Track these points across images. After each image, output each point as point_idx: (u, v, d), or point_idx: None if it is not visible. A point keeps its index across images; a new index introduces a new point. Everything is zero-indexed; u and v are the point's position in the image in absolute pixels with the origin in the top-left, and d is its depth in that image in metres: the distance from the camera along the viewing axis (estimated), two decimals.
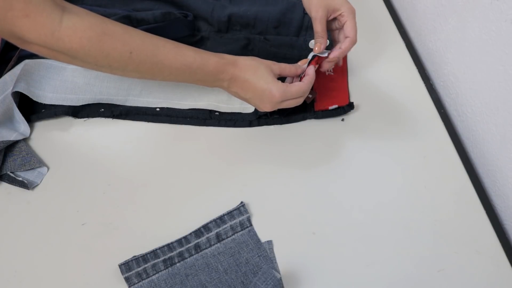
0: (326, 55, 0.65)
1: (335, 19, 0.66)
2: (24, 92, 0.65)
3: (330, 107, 0.70)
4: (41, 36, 0.49)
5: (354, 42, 0.65)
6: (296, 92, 0.62)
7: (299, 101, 0.63)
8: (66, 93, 0.67)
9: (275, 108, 0.63)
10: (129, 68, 0.56)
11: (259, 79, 0.61)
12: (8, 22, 0.47)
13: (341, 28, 0.66)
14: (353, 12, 0.64)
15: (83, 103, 0.68)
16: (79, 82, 0.67)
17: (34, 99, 0.66)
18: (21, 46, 0.51)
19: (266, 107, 0.62)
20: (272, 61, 0.63)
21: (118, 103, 0.69)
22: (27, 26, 0.48)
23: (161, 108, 0.70)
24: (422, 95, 0.76)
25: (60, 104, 0.67)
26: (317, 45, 0.65)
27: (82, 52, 0.51)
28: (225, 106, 0.70)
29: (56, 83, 0.67)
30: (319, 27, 0.64)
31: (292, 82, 0.65)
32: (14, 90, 0.64)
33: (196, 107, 0.69)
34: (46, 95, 0.67)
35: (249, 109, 0.70)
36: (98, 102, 0.68)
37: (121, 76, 0.60)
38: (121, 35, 0.54)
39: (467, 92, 0.74)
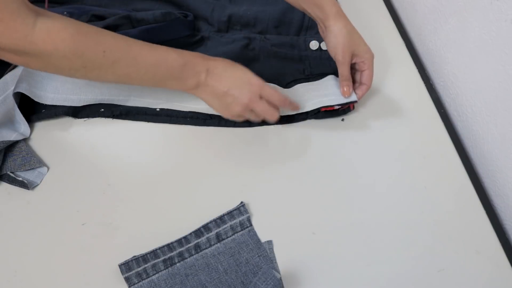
0: (355, 98, 0.68)
1: (355, 63, 0.68)
2: (25, 93, 0.65)
3: (336, 107, 0.69)
4: (14, 41, 0.48)
5: (368, 89, 0.69)
6: (274, 93, 0.62)
7: (272, 112, 0.63)
8: (67, 94, 0.67)
9: (251, 105, 0.61)
10: (104, 68, 0.55)
11: (237, 69, 0.62)
12: None
13: (359, 71, 0.69)
14: (372, 60, 0.67)
15: (84, 104, 0.67)
16: (80, 82, 0.67)
17: (36, 99, 0.66)
18: None
19: (244, 99, 0.61)
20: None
21: (119, 103, 0.69)
22: (0, 31, 0.47)
23: (161, 108, 0.70)
24: (422, 95, 0.76)
25: (62, 104, 0.67)
26: (345, 87, 0.67)
27: (56, 54, 0.51)
28: None
29: (57, 83, 0.67)
30: (346, 70, 0.67)
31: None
32: (15, 91, 0.64)
33: (197, 110, 0.69)
34: (47, 96, 0.66)
35: None
36: (99, 102, 0.68)
37: (97, 81, 0.59)
38: (94, 35, 0.53)
39: (467, 92, 0.74)
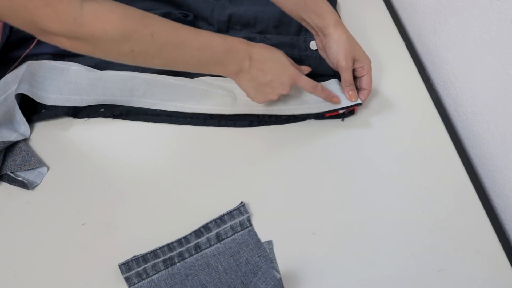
0: (358, 102, 0.69)
1: (355, 69, 0.70)
2: (26, 94, 0.65)
3: (340, 111, 0.70)
4: (63, 24, 0.48)
5: (370, 93, 0.71)
6: (306, 83, 0.66)
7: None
8: (70, 94, 0.67)
9: (285, 93, 0.65)
10: (151, 52, 0.55)
11: (279, 59, 0.64)
12: (29, 13, 0.47)
13: (358, 77, 0.70)
14: (371, 65, 0.70)
15: (87, 104, 0.67)
16: (82, 83, 0.67)
17: (37, 100, 0.66)
18: (42, 38, 0.50)
19: (282, 90, 0.64)
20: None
21: (121, 104, 0.69)
22: (49, 15, 0.47)
23: (162, 109, 0.70)
24: (422, 95, 0.76)
25: (63, 105, 0.67)
26: (351, 92, 0.69)
27: (104, 37, 0.50)
28: (229, 109, 0.69)
29: (60, 84, 0.67)
30: (350, 75, 0.68)
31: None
32: (17, 92, 0.64)
33: (200, 111, 0.69)
34: (49, 96, 0.66)
35: (254, 110, 0.70)
36: (101, 103, 0.68)
37: (143, 65, 0.58)
38: (141, 18, 0.53)
39: (467, 92, 0.74)
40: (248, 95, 0.64)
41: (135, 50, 0.53)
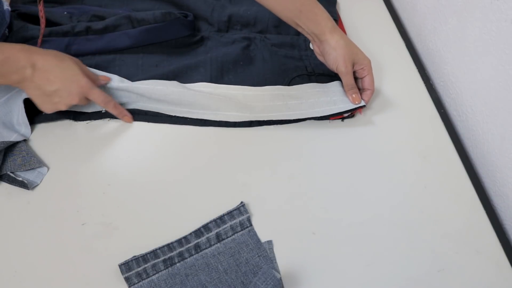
0: (363, 104, 0.69)
1: (355, 71, 0.70)
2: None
3: (345, 115, 0.70)
4: None
5: (373, 92, 0.71)
6: (98, 96, 0.63)
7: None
8: None
9: (76, 103, 0.62)
10: None
11: (67, 68, 0.61)
12: None
13: (360, 78, 0.71)
14: (371, 65, 0.70)
15: (93, 110, 0.68)
16: None
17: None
18: None
19: (71, 100, 0.62)
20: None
21: (127, 107, 0.69)
22: None
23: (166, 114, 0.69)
24: (422, 95, 0.76)
25: (72, 110, 0.67)
26: (354, 95, 0.69)
27: None
28: (235, 114, 0.69)
29: None
30: (351, 79, 0.69)
31: None
32: (24, 98, 0.64)
33: (206, 118, 0.69)
34: None
35: (259, 117, 0.69)
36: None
37: None
38: None
39: (467, 92, 0.74)
40: (37, 105, 0.63)
41: None
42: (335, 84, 0.72)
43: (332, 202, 0.62)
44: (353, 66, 0.68)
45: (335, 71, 0.69)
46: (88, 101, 0.64)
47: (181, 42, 0.78)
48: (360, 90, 0.71)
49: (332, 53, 0.67)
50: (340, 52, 0.66)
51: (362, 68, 0.69)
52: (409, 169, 0.66)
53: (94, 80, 0.65)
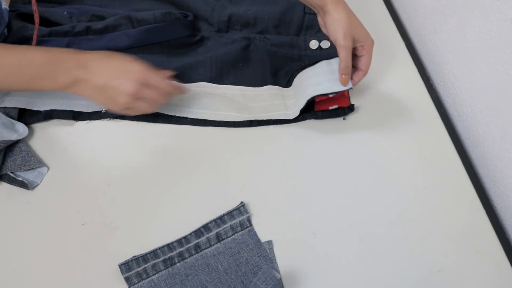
0: (350, 86, 0.65)
1: (355, 47, 0.66)
2: (24, 107, 0.66)
3: (330, 107, 0.70)
4: None
5: (365, 74, 0.66)
6: (160, 78, 0.60)
7: (164, 98, 0.62)
8: (77, 99, 0.68)
9: (137, 94, 0.59)
10: None
11: (115, 59, 0.58)
12: None
13: (357, 56, 0.66)
14: (372, 46, 0.65)
15: (93, 110, 0.68)
16: None
17: (41, 109, 0.67)
18: None
19: (127, 88, 0.58)
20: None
21: None
22: None
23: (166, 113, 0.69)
24: (422, 95, 0.76)
25: (71, 109, 0.67)
26: (344, 76, 0.65)
27: None
28: (235, 114, 0.69)
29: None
30: (347, 55, 0.63)
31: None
32: (13, 106, 0.65)
33: (206, 118, 0.69)
34: (56, 102, 0.67)
35: (258, 116, 0.69)
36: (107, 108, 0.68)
37: None
38: None
39: (467, 92, 0.74)
40: (100, 105, 0.61)
41: None
42: (322, 64, 0.70)
43: (332, 202, 0.62)
44: (353, 42, 0.64)
45: (334, 44, 0.65)
46: (148, 87, 0.59)
47: (181, 42, 0.78)
48: (354, 69, 0.66)
49: (332, 24, 0.63)
50: (341, 24, 0.62)
51: (362, 46, 0.65)
52: (409, 169, 0.66)
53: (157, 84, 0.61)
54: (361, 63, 0.66)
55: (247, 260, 0.57)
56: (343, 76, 0.64)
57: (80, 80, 0.57)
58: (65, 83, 0.57)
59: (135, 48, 0.76)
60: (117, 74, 0.58)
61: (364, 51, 0.65)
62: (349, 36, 0.62)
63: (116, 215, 0.60)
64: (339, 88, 0.65)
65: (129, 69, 0.59)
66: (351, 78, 0.66)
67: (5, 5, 0.75)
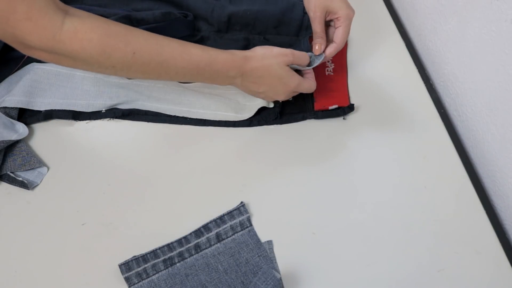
0: (322, 58, 0.66)
1: (331, 20, 0.66)
2: (24, 107, 0.66)
3: (330, 107, 0.70)
4: (42, 39, 0.48)
5: (339, 49, 0.66)
6: (308, 88, 0.65)
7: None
8: (77, 99, 0.68)
9: (289, 97, 0.66)
10: (133, 69, 0.55)
11: (273, 75, 0.61)
12: (10, 25, 0.47)
13: (334, 28, 0.66)
14: (349, 18, 0.65)
15: (93, 110, 0.68)
16: (89, 89, 0.68)
17: (41, 108, 0.67)
18: (23, 51, 0.51)
19: (281, 98, 0.65)
20: (284, 49, 0.62)
21: (126, 107, 0.69)
22: (29, 29, 0.47)
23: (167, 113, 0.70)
24: (422, 95, 0.76)
25: (70, 109, 0.67)
26: (317, 45, 0.66)
27: (83, 54, 0.51)
28: (234, 115, 0.69)
29: (67, 90, 0.68)
30: (318, 27, 0.65)
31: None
32: (13, 106, 0.65)
33: (205, 118, 0.69)
34: (56, 102, 0.67)
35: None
36: (108, 108, 0.68)
37: (126, 76, 0.59)
38: (123, 36, 0.53)
39: (467, 92, 0.74)
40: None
41: (116, 66, 0.54)
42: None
43: (332, 202, 0.62)
44: (327, 14, 0.64)
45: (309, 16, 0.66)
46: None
47: None
48: (329, 42, 0.67)
49: None
50: None
51: (337, 18, 0.64)
52: (409, 169, 0.66)
53: (304, 62, 0.64)
54: (334, 35, 0.66)
55: (247, 260, 0.57)
56: (316, 46, 0.66)
57: (236, 84, 0.63)
58: (222, 83, 0.63)
59: None
60: (273, 89, 0.63)
61: (338, 23, 0.65)
62: (318, 8, 0.63)
63: (116, 215, 0.60)
64: (316, 60, 0.65)
65: (285, 82, 0.62)
66: (324, 51, 0.66)
67: None
